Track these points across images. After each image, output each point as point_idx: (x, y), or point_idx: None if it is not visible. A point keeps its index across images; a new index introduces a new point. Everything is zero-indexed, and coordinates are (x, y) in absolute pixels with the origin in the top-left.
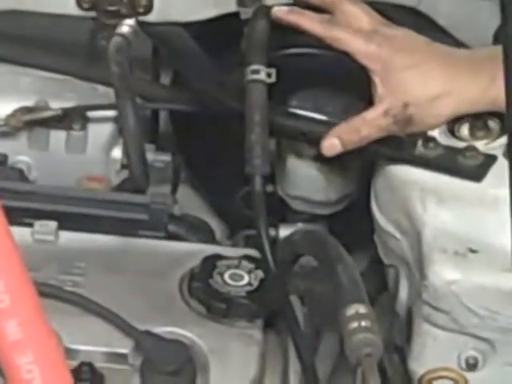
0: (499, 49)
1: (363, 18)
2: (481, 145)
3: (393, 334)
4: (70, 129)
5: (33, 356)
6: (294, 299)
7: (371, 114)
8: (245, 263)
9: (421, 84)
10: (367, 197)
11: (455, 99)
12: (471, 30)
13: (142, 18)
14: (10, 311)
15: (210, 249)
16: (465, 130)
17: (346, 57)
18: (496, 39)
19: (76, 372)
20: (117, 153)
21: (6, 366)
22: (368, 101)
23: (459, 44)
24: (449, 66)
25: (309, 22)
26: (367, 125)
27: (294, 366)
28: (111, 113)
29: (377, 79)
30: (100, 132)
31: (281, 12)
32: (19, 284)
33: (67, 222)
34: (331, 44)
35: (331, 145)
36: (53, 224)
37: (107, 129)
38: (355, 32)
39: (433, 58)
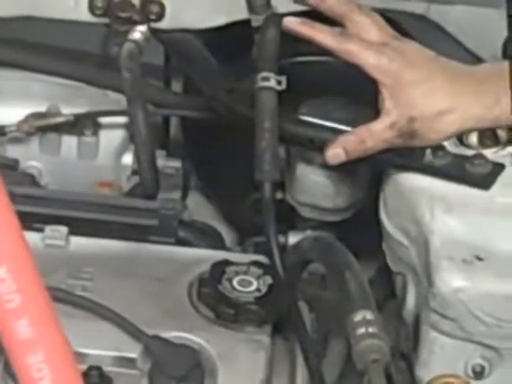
0: (505, 66)
1: (374, 30)
2: (489, 153)
3: (400, 341)
4: (82, 134)
5: (43, 355)
6: (302, 305)
7: (377, 126)
8: (253, 269)
9: (427, 100)
10: (376, 204)
11: (460, 116)
12: (480, 38)
13: (153, 25)
14: (21, 310)
15: (219, 255)
16: (473, 138)
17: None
18: (505, 51)
19: (85, 376)
20: (128, 159)
21: (17, 364)
22: (376, 109)
23: (468, 52)
24: (455, 82)
25: (320, 34)
26: (372, 137)
27: (302, 371)
28: (122, 119)
29: (386, 93)
30: (111, 138)
31: (292, 23)
32: (30, 283)
33: (78, 227)
34: (342, 57)
35: (336, 154)
36: (63, 229)
37: (118, 135)
38: (367, 45)
39: (441, 74)
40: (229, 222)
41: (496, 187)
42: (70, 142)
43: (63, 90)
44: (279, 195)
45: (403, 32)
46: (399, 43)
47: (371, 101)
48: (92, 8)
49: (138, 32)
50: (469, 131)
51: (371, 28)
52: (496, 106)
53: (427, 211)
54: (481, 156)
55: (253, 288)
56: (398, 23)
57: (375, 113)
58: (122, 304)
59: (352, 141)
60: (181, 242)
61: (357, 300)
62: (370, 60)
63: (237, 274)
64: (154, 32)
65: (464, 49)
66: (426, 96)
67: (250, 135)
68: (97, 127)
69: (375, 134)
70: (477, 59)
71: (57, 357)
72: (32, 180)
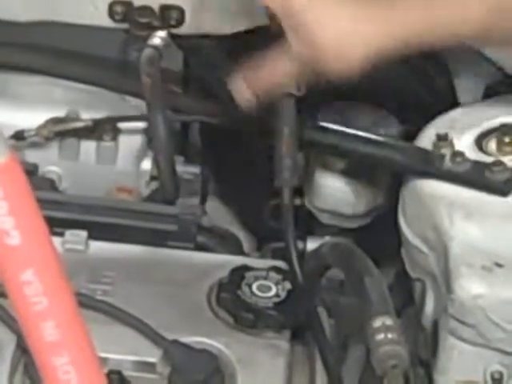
0: None
1: None
2: (508, 160)
3: (418, 347)
4: (101, 140)
5: (69, 357)
6: (321, 311)
7: (279, 57)
8: (272, 274)
9: (325, 25)
10: (395, 210)
11: (362, 41)
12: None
13: (173, 31)
14: (47, 313)
15: (238, 260)
16: (492, 145)
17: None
18: None
19: None
20: (147, 164)
21: (43, 366)
22: (396, 113)
23: (491, 62)
24: (353, 6)
25: None
26: (277, 70)
27: (321, 377)
28: (142, 124)
29: (283, 22)
30: (130, 143)
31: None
32: (57, 286)
33: (97, 231)
34: None
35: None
36: (83, 234)
37: (137, 140)
38: None
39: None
40: (247, 227)
41: None
42: (88, 147)
43: (82, 95)
44: (298, 201)
45: None
46: None
47: (391, 105)
48: (112, 13)
49: (158, 37)
50: (383, 55)
51: None
52: (402, 30)
53: (446, 218)
54: (500, 163)
55: (272, 293)
56: None
57: (396, 118)
58: (141, 309)
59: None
60: (199, 248)
61: (376, 306)
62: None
63: (256, 279)
64: (174, 37)
65: (485, 59)
66: (324, 21)
67: (269, 141)
68: (116, 132)
69: (279, 67)
70: (498, 69)
71: (83, 359)
72: (51, 185)
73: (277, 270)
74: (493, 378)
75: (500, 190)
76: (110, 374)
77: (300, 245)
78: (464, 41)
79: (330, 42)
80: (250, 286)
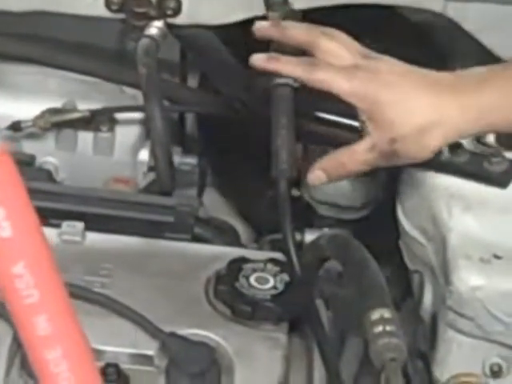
0: (492, 75)
1: (343, 53)
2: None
3: (417, 340)
4: (98, 130)
5: (61, 351)
6: (319, 303)
7: (357, 148)
8: (270, 266)
9: (406, 118)
10: (393, 202)
11: (442, 130)
12: (498, 36)
13: (170, 21)
14: (39, 306)
15: (235, 252)
16: (490, 136)
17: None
18: None
19: (102, 373)
20: (144, 155)
21: (36, 360)
22: None
23: (486, 50)
24: (434, 96)
25: (288, 67)
26: (352, 159)
27: (319, 369)
28: (139, 115)
29: (363, 116)
30: (127, 134)
31: (259, 60)
32: (48, 279)
33: (94, 223)
34: (315, 86)
35: (316, 177)
36: (80, 225)
37: (135, 131)
38: (337, 71)
39: (417, 90)
40: (245, 219)
41: None
42: (86, 137)
43: (79, 85)
44: (296, 193)
45: (419, 31)
46: (371, 62)
47: None
48: (108, 3)
49: (155, 27)
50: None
51: (340, 52)
52: (480, 121)
53: (445, 209)
54: (499, 153)
55: (270, 285)
56: (415, 22)
57: None
58: (138, 301)
59: (331, 164)
60: (197, 239)
61: (374, 298)
62: (341, 86)
63: (254, 271)
64: (171, 28)
65: (482, 47)
66: (405, 115)
67: (266, 132)
68: (113, 123)
69: (355, 156)
70: (495, 58)
71: (75, 352)
72: (48, 176)
73: (274, 261)
74: (492, 371)
75: (498, 181)
76: (107, 366)
77: (298, 236)
78: None
79: (411, 133)
80: (247, 277)
